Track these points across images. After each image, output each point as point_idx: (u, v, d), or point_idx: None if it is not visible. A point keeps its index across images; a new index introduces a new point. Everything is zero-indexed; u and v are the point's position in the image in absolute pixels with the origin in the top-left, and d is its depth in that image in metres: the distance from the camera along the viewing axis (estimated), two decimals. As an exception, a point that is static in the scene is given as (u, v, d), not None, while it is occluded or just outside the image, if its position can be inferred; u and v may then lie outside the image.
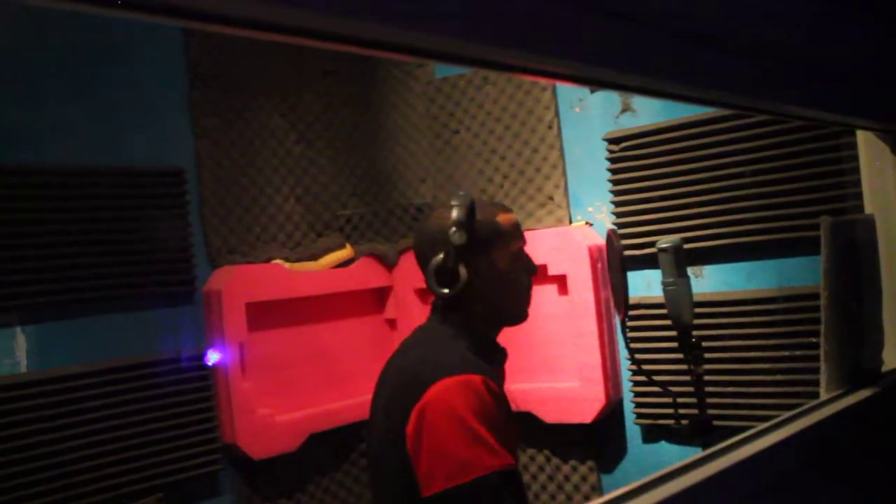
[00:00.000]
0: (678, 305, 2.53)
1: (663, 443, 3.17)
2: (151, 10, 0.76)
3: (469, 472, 1.87)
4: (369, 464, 2.33)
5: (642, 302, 3.10)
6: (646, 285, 3.11)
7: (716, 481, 1.50)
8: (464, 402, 1.92)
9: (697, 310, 2.68)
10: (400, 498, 2.07)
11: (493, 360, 2.17)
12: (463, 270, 2.10)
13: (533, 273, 2.27)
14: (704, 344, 2.85)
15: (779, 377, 2.84)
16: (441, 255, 2.11)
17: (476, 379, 1.96)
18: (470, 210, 2.14)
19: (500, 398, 2.00)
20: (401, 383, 2.08)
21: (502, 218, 2.20)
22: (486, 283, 2.14)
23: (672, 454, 3.11)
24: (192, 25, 0.80)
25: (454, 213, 2.13)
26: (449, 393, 1.94)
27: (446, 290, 2.11)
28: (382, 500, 2.21)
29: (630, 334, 3.09)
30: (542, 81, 3.30)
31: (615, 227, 3.10)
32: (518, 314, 2.24)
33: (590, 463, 3.32)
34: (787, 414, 1.88)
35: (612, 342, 3.23)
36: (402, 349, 2.21)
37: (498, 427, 1.93)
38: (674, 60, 1.37)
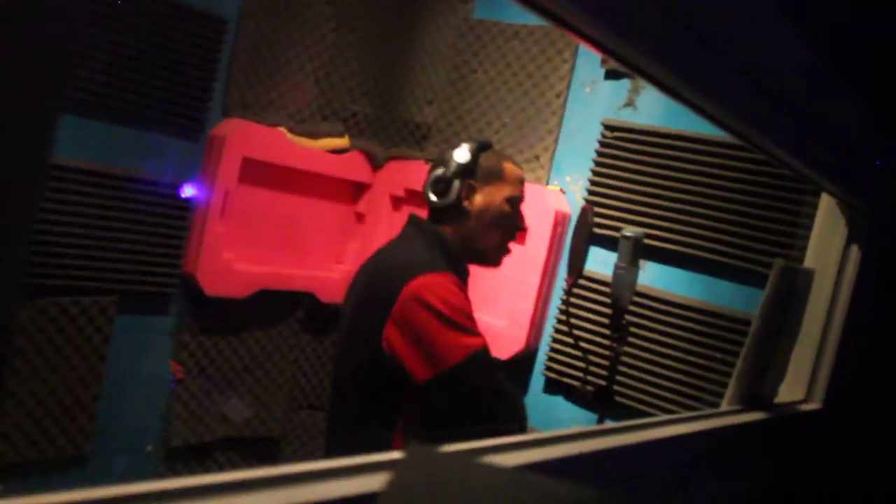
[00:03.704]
0: (621, 289, 2.57)
1: (560, 398, 3.23)
2: None
3: (458, 353, 1.95)
4: (337, 361, 2.34)
5: (587, 275, 3.13)
6: (593, 261, 3.13)
7: (616, 453, 1.54)
8: (436, 296, 1.98)
9: (635, 298, 2.73)
10: (373, 390, 2.11)
11: (465, 280, 2.20)
12: (457, 184, 2.18)
13: (519, 228, 2.29)
14: (632, 329, 2.93)
15: (684, 379, 2.90)
16: (443, 168, 2.20)
17: (444, 275, 2.03)
18: (481, 144, 2.24)
19: (465, 291, 2.08)
20: (373, 287, 2.12)
21: (508, 165, 2.26)
22: (473, 209, 2.20)
23: (565, 409, 3.18)
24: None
25: (467, 143, 2.23)
26: (422, 290, 1.99)
27: (436, 199, 2.19)
28: (350, 394, 2.22)
29: (571, 299, 3.13)
30: (570, 47, 3.29)
31: (591, 204, 3.12)
32: (490, 255, 2.28)
33: (491, 393, 3.37)
34: (690, 413, 1.94)
35: (547, 299, 3.26)
36: (374, 256, 2.25)
37: (468, 315, 2.02)
38: (698, 64, 1.34)
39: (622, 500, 0.64)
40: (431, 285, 2.00)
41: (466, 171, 2.19)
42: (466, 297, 2.06)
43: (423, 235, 2.19)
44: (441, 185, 2.20)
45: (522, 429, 2.12)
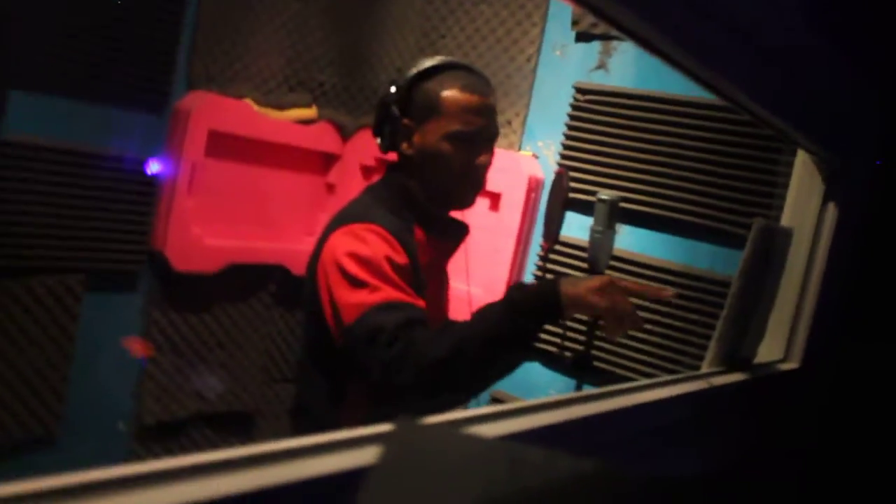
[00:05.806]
0: (598, 253, 2.54)
1: (537, 364, 3.19)
2: None
3: (353, 313, 1.70)
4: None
5: (563, 240, 3.09)
6: (569, 226, 3.10)
7: (598, 419, 1.51)
8: (344, 249, 1.75)
9: (612, 262, 2.69)
10: (318, 347, 1.95)
11: (442, 235, 2.02)
12: (386, 128, 1.93)
13: (473, 159, 1.91)
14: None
15: (664, 343, 2.87)
16: (378, 109, 1.95)
17: (360, 227, 1.79)
18: (419, 73, 1.92)
19: (392, 242, 1.79)
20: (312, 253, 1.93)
21: (448, 93, 1.88)
22: (416, 152, 1.93)
23: (543, 375, 3.14)
24: None
25: (408, 73, 1.93)
26: (334, 243, 1.80)
27: (378, 141, 1.97)
28: (304, 351, 2.10)
29: (547, 265, 3.10)
30: (539, 10, 3.23)
31: (565, 168, 3.08)
32: (449, 198, 1.97)
33: (468, 362, 3.34)
34: (670, 377, 1.91)
35: (522, 266, 3.23)
36: None
37: (381, 269, 1.73)
38: (676, 17, 1.29)
39: (627, 474, 0.60)
40: (340, 241, 1.79)
41: (401, 108, 1.90)
42: (383, 237, 1.78)
43: (380, 186, 1.96)
44: (377, 128, 1.95)
45: (458, 396, 1.85)
